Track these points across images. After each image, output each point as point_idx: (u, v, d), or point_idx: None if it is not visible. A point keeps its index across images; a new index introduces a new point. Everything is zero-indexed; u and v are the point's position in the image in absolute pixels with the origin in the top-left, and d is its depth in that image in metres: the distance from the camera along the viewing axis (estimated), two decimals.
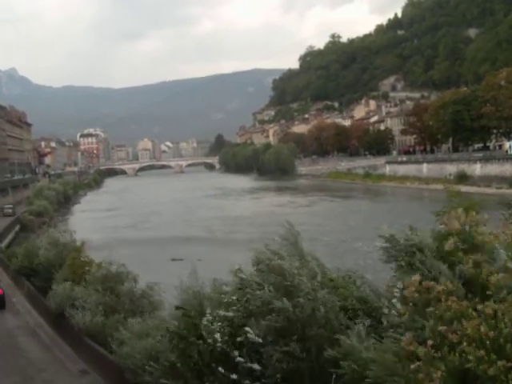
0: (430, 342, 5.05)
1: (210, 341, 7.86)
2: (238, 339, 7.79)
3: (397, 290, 7.24)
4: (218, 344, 7.78)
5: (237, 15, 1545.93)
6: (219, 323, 8.01)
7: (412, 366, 5.17)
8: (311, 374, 7.26)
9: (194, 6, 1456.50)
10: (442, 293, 5.35)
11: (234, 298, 8.18)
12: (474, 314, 5.15)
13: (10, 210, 63.78)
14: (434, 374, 4.84)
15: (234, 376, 7.48)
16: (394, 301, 6.98)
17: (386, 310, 6.95)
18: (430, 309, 5.36)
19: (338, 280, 8.36)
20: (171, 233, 53.43)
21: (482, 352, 4.73)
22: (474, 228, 6.51)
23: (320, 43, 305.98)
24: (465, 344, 4.86)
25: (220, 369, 7.67)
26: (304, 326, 7.30)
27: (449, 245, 6.21)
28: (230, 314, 8.00)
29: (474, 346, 4.81)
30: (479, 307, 5.17)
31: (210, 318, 8.12)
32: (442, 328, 5.06)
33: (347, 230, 51.11)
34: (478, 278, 5.82)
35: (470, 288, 5.92)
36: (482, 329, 4.87)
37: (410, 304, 5.64)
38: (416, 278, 5.61)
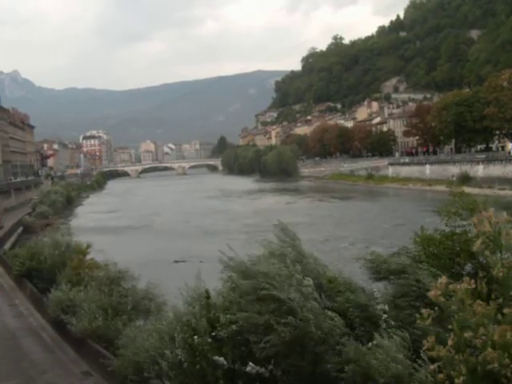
0: (450, 342, 4.90)
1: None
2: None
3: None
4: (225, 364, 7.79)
5: (241, 16, 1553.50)
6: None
7: (431, 367, 5.09)
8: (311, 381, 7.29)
9: (198, 7, 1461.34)
10: (466, 295, 5.09)
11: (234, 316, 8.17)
12: (501, 317, 4.93)
13: (36, 198, 76.91)
14: (455, 378, 4.71)
15: None
16: (386, 306, 7.00)
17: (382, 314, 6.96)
18: (455, 314, 5.07)
19: (337, 282, 8.33)
20: (173, 234, 53.60)
21: (508, 360, 4.56)
22: (502, 229, 6.04)
23: (324, 45, 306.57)
24: (489, 350, 4.66)
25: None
26: (302, 343, 7.33)
27: (477, 245, 5.88)
28: (234, 327, 7.99)
29: (500, 353, 4.61)
30: (506, 311, 4.96)
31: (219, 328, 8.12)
32: (467, 335, 4.83)
33: (340, 230, 51.24)
34: (508, 280, 5.45)
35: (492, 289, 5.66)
36: (509, 335, 4.66)
37: (435, 308, 5.37)
38: (443, 280, 5.34)
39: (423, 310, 5.40)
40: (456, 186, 9.10)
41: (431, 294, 5.26)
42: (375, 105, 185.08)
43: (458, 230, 8.17)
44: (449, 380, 4.83)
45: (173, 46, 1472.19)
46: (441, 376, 4.86)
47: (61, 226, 34.55)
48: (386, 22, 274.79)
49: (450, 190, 8.42)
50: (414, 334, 6.57)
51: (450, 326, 5.11)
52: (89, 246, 20.59)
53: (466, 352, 4.79)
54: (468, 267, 7.62)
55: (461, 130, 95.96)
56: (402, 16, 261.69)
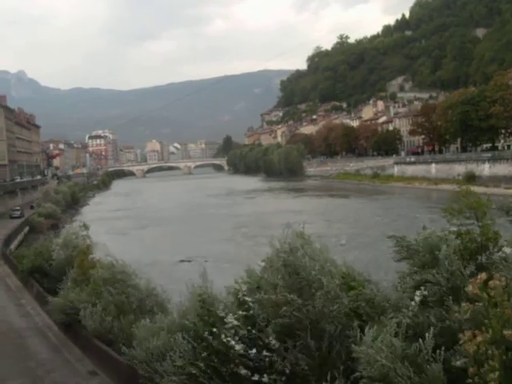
0: (483, 337, 4.89)
1: (226, 340, 7.84)
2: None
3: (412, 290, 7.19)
4: (234, 344, 7.77)
5: (250, 15, 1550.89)
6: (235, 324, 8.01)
7: (458, 362, 5.10)
8: (321, 370, 7.30)
9: (208, 5, 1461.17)
10: (503, 291, 5.06)
11: (249, 299, 8.16)
12: None
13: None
14: (489, 373, 4.70)
15: (256, 377, 7.47)
16: (413, 303, 6.93)
17: (404, 310, 6.91)
18: (492, 309, 5.06)
19: (348, 277, 8.34)
20: (178, 233, 53.74)
21: None
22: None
23: (332, 44, 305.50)
24: None
25: (242, 369, 7.66)
26: (316, 321, 7.35)
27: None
28: (244, 313, 8.01)
29: None
30: None
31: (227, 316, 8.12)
32: (507, 333, 4.73)
33: (343, 227, 51.29)
34: None
35: None
36: None
37: (475, 303, 5.38)
38: (482, 275, 5.37)
39: (463, 304, 5.41)
40: (464, 185, 9.09)
41: (470, 289, 5.25)
42: (381, 104, 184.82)
43: (462, 230, 8.13)
44: (479, 375, 4.82)
45: (181, 45, 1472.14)
46: (471, 370, 4.87)
47: (75, 224, 34.62)
48: (393, 21, 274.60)
49: (459, 188, 8.38)
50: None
51: (485, 321, 5.10)
52: (95, 246, 20.64)
53: (502, 348, 4.78)
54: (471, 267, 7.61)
55: (466, 129, 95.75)
56: (407, 15, 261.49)
